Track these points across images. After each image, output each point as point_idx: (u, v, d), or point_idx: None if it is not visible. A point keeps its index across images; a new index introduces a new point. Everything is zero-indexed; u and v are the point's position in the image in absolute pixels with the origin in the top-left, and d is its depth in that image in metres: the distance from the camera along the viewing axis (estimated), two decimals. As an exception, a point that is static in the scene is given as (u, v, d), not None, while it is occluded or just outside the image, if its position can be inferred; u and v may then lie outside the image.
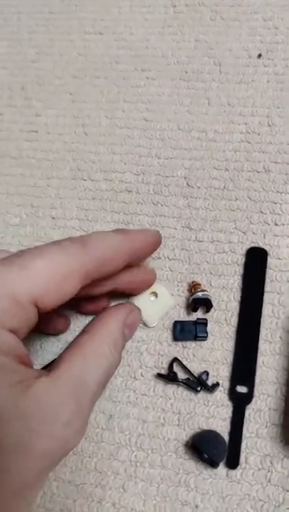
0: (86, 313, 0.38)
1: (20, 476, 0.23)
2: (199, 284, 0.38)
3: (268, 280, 0.38)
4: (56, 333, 0.38)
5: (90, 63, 0.48)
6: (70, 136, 0.45)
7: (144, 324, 0.37)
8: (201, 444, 0.33)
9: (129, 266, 0.32)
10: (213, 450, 0.33)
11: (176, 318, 0.37)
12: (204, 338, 0.36)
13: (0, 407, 0.23)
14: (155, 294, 0.38)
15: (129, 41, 0.48)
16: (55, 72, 0.48)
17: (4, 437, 0.23)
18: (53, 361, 0.33)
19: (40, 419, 0.24)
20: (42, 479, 0.25)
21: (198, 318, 0.37)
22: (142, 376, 0.36)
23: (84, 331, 0.30)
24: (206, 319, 0.37)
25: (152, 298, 0.38)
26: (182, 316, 0.38)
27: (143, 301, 0.37)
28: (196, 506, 0.33)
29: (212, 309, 0.37)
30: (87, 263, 0.28)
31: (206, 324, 0.36)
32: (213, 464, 0.33)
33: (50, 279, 0.26)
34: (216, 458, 0.33)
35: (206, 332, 0.36)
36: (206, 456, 0.33)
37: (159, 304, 0.37)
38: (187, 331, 0.36)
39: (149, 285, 0.37)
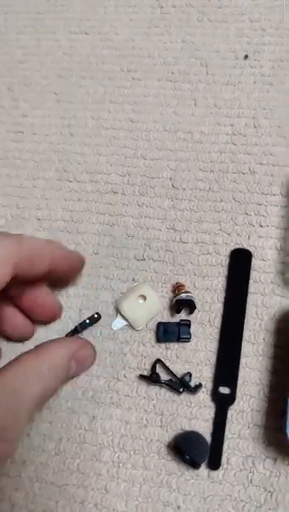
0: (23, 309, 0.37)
1: None
2: (183, 286, 0.38)
3: (251, 281, 0.38)
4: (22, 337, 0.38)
5: (75, 63, 0.48)
6: (56, 137, 0.45)
7: (131, 326, 0.38)
8: (183, 445, 0.33)
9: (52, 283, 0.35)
10: (195, 451, 0.33)
11: (160, 320, 0.37)
12: (187, 339, 0.36)
13: None
14: (144, 297, 0.38)
15: (115, 41, 0.48)
16: (41, 72, 0.48)
17: None
18: None
19: None
20: None
21: (181, 320, 0.37)
22: (125, 377, 0.36)
23: (32, 349, 0.31)
24: (189, 321, 0.37)
25: (140, 301, 0.38)
26: (166, 317, 0.38)
27: (131, 303, 0.37)
28: (178, 507, 0.33)
29: (196, 310, 0.37)
30: (18, 253, 0.30)
31: (189, 325, 0.36)
32: (194, 465, 0.33)
33: None
34: (198, 459, 0.33)
35: (189, 333, 0.36)
36: (187, 457, 0.33)
37: (147, 307, 0.37)
38: (170, 333, 0.37)
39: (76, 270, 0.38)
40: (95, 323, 0.38)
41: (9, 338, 0.38)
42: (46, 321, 0.38)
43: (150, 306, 0.37)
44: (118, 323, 0.38)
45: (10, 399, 0.27)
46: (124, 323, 0.38)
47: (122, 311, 0.37)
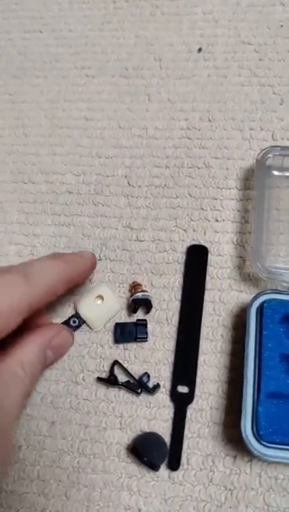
0: None
1: None
2: (140, 285, 0.37)
3: (208, 277, 0.37)
4: None
5: (29, 62, 0.47)
6: (10, 138, 0.44)
7: (89, 328, 0.37)
8: (142, 447, 0.33)
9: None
10: (154, 453, 0.33)
11: (118, 320, 0.37)
12: (144, 339, 0.36)
13: None
14: (101, 298, 0.37)
15: (69, 38, 0.47)
16: (-6, 73, 0.47)
17: None
18: None
19: None
20: None
21: (138, 320, 0.36)
22: (84, 380, 0.36)
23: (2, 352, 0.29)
24: (145, 320, 0.36)
25: (98, 301, 0.37)
26: (124, 317, 0.37)
27: (89, 305, 0.37)
28: (139, 510, 0.33)
29: (153, 309, 0.37)
30: (31, 296, 0.28)
31: (145, 325, 0.36)
32: (153, 466, 0.33)
33: None
34: (156, 461, 0.32)
35: (146, 333, 0.36)
36: (145, 459, 0.32)
37: (105, 308, 0.37)
38: (128, 333, 0.36)
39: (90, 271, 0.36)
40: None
41: None
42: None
43: (108, 307, 0.37)
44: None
45: None
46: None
47: (80, 313, 0.37)
